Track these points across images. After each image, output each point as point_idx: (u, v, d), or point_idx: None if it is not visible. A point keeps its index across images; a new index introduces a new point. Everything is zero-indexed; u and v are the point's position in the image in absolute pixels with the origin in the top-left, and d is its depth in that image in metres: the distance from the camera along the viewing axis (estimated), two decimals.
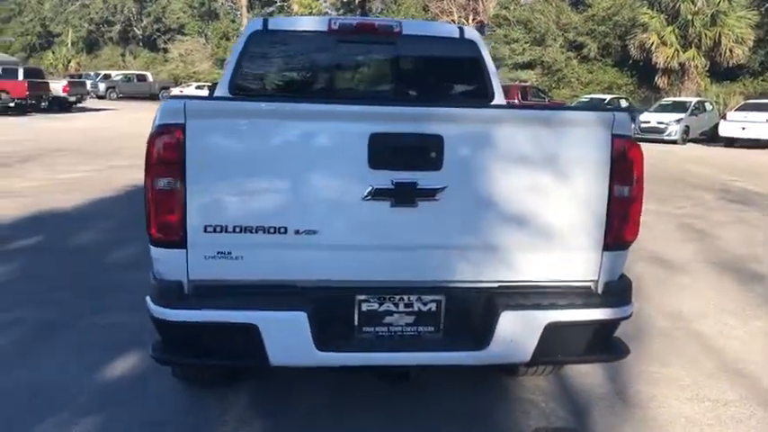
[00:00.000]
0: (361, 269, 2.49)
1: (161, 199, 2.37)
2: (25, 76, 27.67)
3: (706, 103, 25.22)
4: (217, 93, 4.29)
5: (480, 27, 36.74)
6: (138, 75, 46.62)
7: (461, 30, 4.51)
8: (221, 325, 2.40)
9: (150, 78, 46.27)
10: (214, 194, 2.39)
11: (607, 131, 2.52)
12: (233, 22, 49.56)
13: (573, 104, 26.66)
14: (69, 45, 58.77)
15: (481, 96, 4.37)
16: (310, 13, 38.28)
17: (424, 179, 2.46)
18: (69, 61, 56.71)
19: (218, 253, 2.41)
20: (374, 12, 43.24)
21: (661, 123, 23.21)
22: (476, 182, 2.49)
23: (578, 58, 35.00)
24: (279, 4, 48.16)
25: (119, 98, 42.25)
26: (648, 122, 23.38)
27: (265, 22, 4.32)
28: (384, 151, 2.43)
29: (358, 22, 4.35)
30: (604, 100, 26.31)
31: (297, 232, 2.42)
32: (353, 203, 2.44)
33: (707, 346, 4.23)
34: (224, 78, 4.25)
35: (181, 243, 2.38)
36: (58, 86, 29.91)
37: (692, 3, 27.99)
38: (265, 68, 4.54)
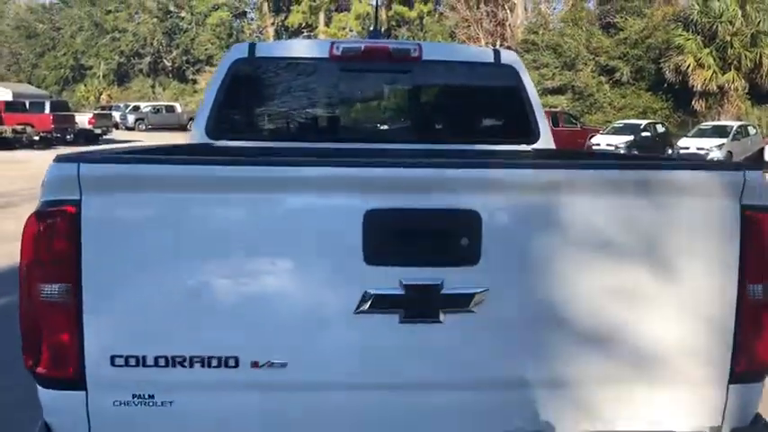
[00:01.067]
0: (356, 424, 1.62)
1: (45, 314, 1.54)
2: (51, 109, 27.68)
3: (749, 127, 24.00)
4: (191, 135, 3.50)
5: None
6: (166, 106, 46.89)
7: (497, 53, 3.67)
8: None
9: (179, 109, 46.52)
10: (126, 308, 1.55)
11: (733, 200, 1.64)
12: None
13: (607, 129, 25.63)
14: (101, 77, 59.71)
15: (523, 136, 3.52)
16: None
17: (451, 279, 1.61)
18: (101, 93, 57.53)
19: (135, 397, 1.56)
20: (400, 39, 42.91)
21: (701, 149, 22.07)
22: (532, 282, 1.63)
23: (610, 83, 34.01)
24: (305, 34, 48.19)
25: (147, 129, 42.37)
26: (687, 148, 22.29)
27: (252, 48, 3.54)
28: (387, 237, 1.60)
29: (366, 46, 3.54)
30: (640, 125, 25.22)
31: (254, 365, 1.57)
32: (341, 319, 1.60)
33: None
34: (199, 117, 3.46)
35: (77, 382, 1.54)
36: (84, 119, 29.88)
37: (731, 23, 26.94)
38: (251, 105, 3.74)
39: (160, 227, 1.58)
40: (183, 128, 42.84)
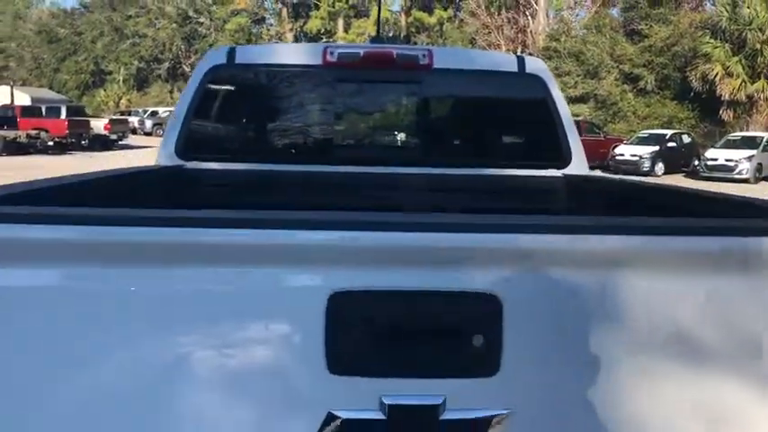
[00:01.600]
0: None
1: None
2: (68, 114, 27.61)
3: None
4: (159, 156, 2.98)
5: None
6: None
7: (521, 61, 3.12)
8: None
9: None
10: None
11: None
12: None
13: (631, 139, 24.89)
14: (120, 82, 60.05)
15: (552, 159, 2.98)
16: None
17: (458, 397, 1.07)
18: (120, 98, 57.82)
19: None
20: (418, 45, 42.46)
21: (730, 161, 21.29)
22: (572, 401, 1.08)
23: (634, 91, 33.24)
24: (325, 41, 47.97)
25: None
26: (716, 160, 21.53)
27: (231, 53, 3.02)
28: (362, 333, 1.06)
29: (366, 52, 3.01)
30: (665, 135, 24.44)
31: None
32: None
33: None
34: (168, 133, 2.96)
35: None
36: (99, 124, 29.79)
37: (761, 31, 26.10)
38: (228, 120, 3.23)
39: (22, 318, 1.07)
40: None
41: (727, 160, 21.21)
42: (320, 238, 1.13)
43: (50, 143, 25.27)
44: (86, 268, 1.09)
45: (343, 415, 1.09)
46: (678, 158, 23.61)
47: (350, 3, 46.61)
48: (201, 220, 1.13)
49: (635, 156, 22.46)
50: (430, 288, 1.13)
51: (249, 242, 1.12)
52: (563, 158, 3.04)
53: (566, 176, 3.03)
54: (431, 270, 1.13)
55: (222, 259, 1.12)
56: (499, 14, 38.61)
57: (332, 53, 2.95)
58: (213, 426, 1.10)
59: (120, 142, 30.30)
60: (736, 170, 20.87)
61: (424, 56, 2.99)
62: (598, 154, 21.30)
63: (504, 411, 1.11)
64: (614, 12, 37.43)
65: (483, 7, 38.99)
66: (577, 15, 39.16)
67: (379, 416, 1.09)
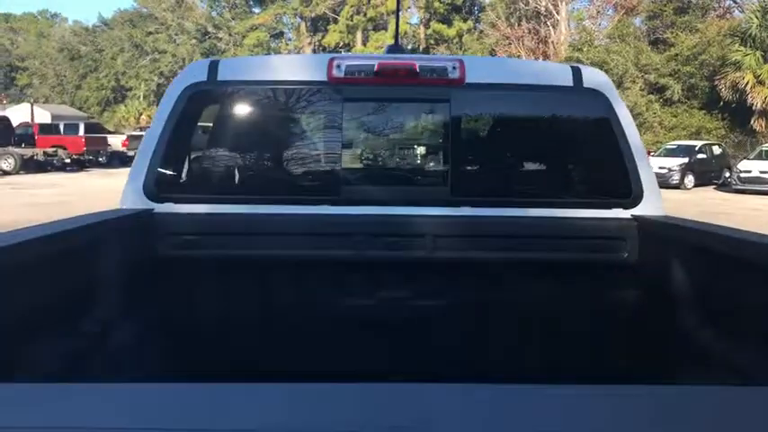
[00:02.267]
0: None
1: None
2: (86, 131, 27.56)
3: None
4: (124, 195, 2.42)
5: None
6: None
7: (577, 72, 2.53)
8: None
9: None
10: None
11: None
12: None
13: (658, 151, 24.08)
14: (141, 98, 60.38)
15: (617, 195, 2.38)
16: None
17: None
18: (141, 114, 58.05)
19: None
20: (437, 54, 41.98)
21: (765, 173, 20.39)
22: None
23: (661, 101, 32.43)
24: (343, 52, 47.66)
25: None
26: (749, 172, 20.68)
27: (213, 67, 2.47)
28: None
29: (382, 64, 2.45)
30: (695, 147, 23.61)
31: None
32: None
33: None
34: (136, 167, 2.41)
35: None
36: (117, 141, 29.67)
37: None
38: (212, 151, 2.68)
39: None
40: None
41: (761, 172, 20.35)
42: None
43: (68, 160, 25.13)
44: None
45: None
46: (709, 170, 22.77)
47: (368, 16, 46.33)
48: None
49: (663, 168, 21.67)
50: None
51: None
52: (632, 195, 2.45)
53: (636, 219, 2.45)
54: None
55: None
56: (519, 25, 38.03)
57: (339, 66, 2.41)
58: None
59: None
60: None
61: (454, 67, 2.44)
62: None
63: None
64: (637, 21, 36.68)
65: (503, 18, 38.46)
66: (600, 25, 38.44)
67: None
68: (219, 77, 2.45)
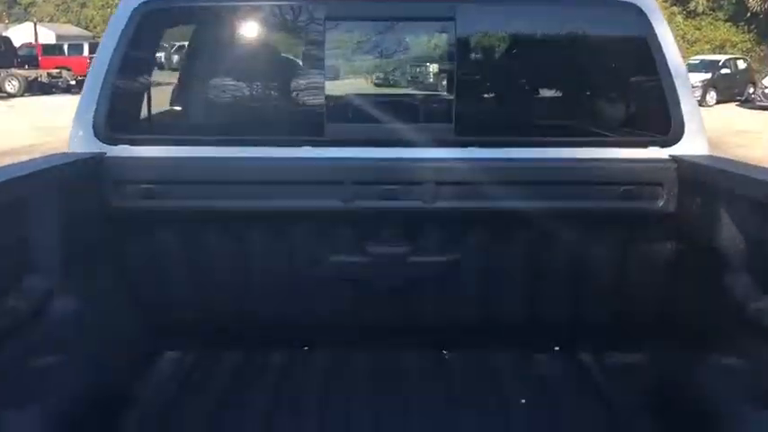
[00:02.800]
0: None
1: None
2: (90, 51, 26.99)
3: None
4: (72, 136, 2.15)
5: None
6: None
7: None
8: None
9: None
10: None
11: None
12: None
13: None
14: None
15: (654, 130, 2.10)
16: None
17: None
18: None
19: None
20: None
21: None
22: None
23: (683, 14, 31.11)
24: None
25: None
26: None
27: None
28: None
29: None
30: (718, 61, 22.66)
31: None
32: None
33: None
34: (83, 102, 2.14)
35: None
36: None
37: None
38: (175, 83, 2.41)
39: None
40: None
41: None
42: None
43: (73, 82, 24.72)
44: None
45: None
46: (732, 86, 21.93)
47: None
48: None
49: None
50: None
51: None
52: (671, 131, 2.11)
53: (675, 160, 2.11)
54: None
55: None
56: None
57: None
58: None
59: None
60: None
61: None
62: None
63: None
64: None
65: None
66: None
67: None
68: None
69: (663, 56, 2.10)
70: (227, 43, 2.41)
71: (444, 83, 2.41)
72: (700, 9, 30.46)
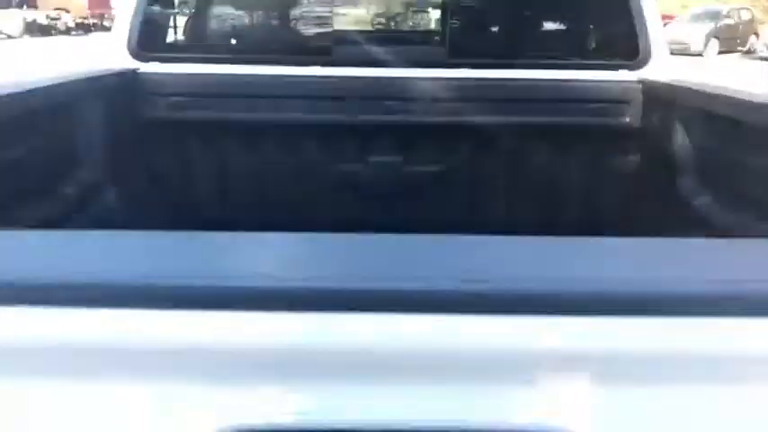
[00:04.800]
0: None
1: None
2: None
3: None
4: (108, 54, 2.39)
5: None
6: None
7: None
8: None
9: None
10: None
11: None
12: None
13: (682, 17, 22.97)
14: None
15: (624, 56, 2.38)
16: None
17: None
18: None
19: None
20: None
21: None
22: None
23: None
24: None
25: None
26: None
27: None
28: None
29: None
30: (721, 11, 22.46)
31: None
32: None
33: None
34: (118, 23, 2.38)
35: None
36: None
37: None
38: (200, 8, 2.62)
39: None
40: None
41: None
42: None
43: (72, 24, 24.52)
44: None
45: None
46: (735, 37, 21.84)
47: None
48: None
49: (686, 41, 20.78)
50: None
51: None
52: (639, 56, 2.35)
53: (642, 82, 2.36)
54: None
55: None
56: None
57: None
58: None
59: None
60: None
61: None
62: None
63: None
64: None
65: None
66: None
67: None
68: None
69: None
70: None
71: (438, 13, 2.66)
72: None
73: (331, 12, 2.48)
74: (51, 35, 23.16)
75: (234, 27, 2.69)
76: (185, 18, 2.66)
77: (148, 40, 2.35)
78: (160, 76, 2.32)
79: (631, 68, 2.37)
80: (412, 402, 0.69)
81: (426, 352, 0.69)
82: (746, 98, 1.70)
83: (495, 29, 2.78)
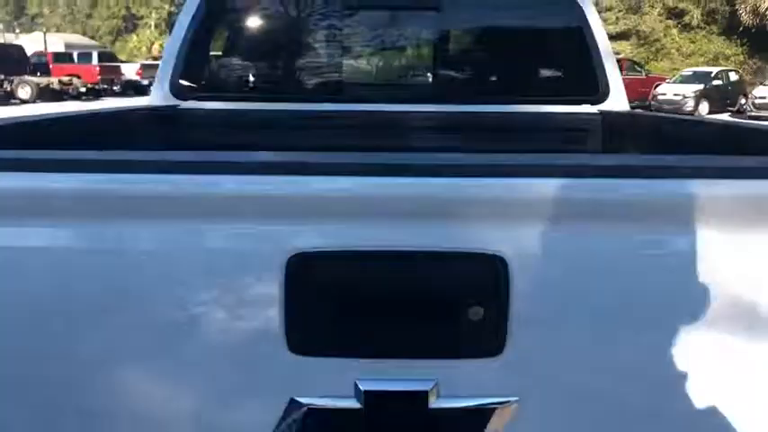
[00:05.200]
0: None
1: None
2: (99, 60, 27.61)
3: None
4: (152, 96, 2.76)
5: None
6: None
7: None
8: None
9: None
10: None
11: None
12: None
13: (674, 78, 23.79)
14: (152, 27, 59.70)
15: (586, 92, 2.71)
16: None
17: (452, 382, 0.90)
18: (152, 44, 57.50)
19: None
20: None
21: None
22: (597, 385, 0.87)
23: (679, 27, 31.73)
24: None
25: None
26: (764, 98, 20.55)
27: None
28: (330, 305, 0.89)
29: None
30: (711, 73, 23.28)
31: None
32: None
33: None
34: (162, 69, 2.74)
35: None
36: (131, 70, 29.74)
37: None
38: (230, 52, 3.01)
39: None
40: None
41: None
42: (271, 187, 0.91)
43: (83, 89, 25.33)
44: None
45: (310, 402, 0.89)
46: (724, 97, 22.55)
47: None
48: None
49: (678, 95, 21.53)
50: (418, 248, 0.91)
51: (178, 192, 0.92)
52: (599, 92, 2.72)
53: (602, 113, 2.72)
54: (419, 225, 0.90)
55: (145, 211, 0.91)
56: None
57: None
58: (151, 420, 0.91)
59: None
60: None
61: None
62: (639, 93, 20.45)
63: (508, 399, 0.89)
64: None
65: None
66: None
67: (354, 404, 0.89)
68: None
69: (592, 35, 2.75)
70: (276, 21, 3.03)
71: (429, 55, 3.19)
72: (694, 23, 31.08)
73: (341, 60, 2.90)
74: (63, 100, 23.92)
75: (258, 69, 3.10)
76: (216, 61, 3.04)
77: (187, 82, 2.73)
78: (197, 111, 2.68)
79: (593, 103, 2.74)
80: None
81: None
82: (692, 119, 2.06)
83: (478, 73, 3.18)
